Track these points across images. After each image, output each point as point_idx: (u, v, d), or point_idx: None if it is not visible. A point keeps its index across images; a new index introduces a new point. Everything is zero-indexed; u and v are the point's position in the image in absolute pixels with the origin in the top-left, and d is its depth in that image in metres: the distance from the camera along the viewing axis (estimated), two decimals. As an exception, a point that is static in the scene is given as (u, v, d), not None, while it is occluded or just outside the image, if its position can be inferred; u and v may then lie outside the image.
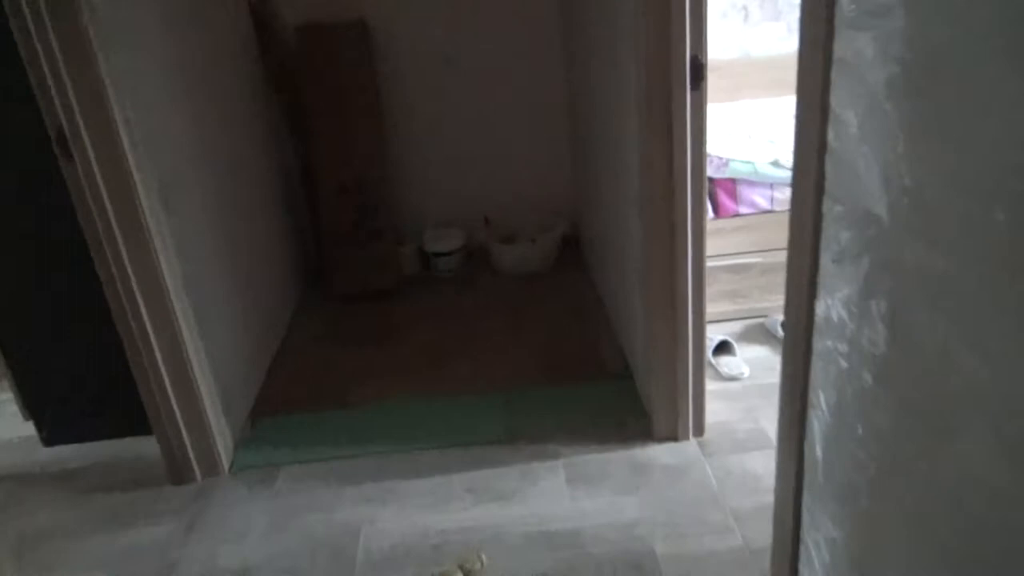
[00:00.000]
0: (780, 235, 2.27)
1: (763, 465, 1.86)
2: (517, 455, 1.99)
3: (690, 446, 1.96)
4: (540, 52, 2.95)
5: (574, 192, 3.13)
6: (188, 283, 1.93)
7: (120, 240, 1.75)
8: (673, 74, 1.59)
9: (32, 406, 2.27)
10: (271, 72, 2.80)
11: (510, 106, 3.03)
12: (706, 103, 1.63)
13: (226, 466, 2.06)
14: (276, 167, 2.87)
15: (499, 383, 2.30)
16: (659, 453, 1.94)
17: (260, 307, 2.50)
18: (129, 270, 1.78)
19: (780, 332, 2.33)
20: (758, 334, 2.43)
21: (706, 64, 1.60)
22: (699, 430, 1.98)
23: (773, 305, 2.49)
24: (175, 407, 1.94)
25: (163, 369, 1.89)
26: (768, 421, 2.02)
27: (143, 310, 1.82)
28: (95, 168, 1.68)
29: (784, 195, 2.36)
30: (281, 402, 2.33)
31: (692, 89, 1.60)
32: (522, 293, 2.88)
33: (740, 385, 2.19)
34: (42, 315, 2.10)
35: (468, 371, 2.38)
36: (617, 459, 1.94)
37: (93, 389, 2.21)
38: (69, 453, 2.25)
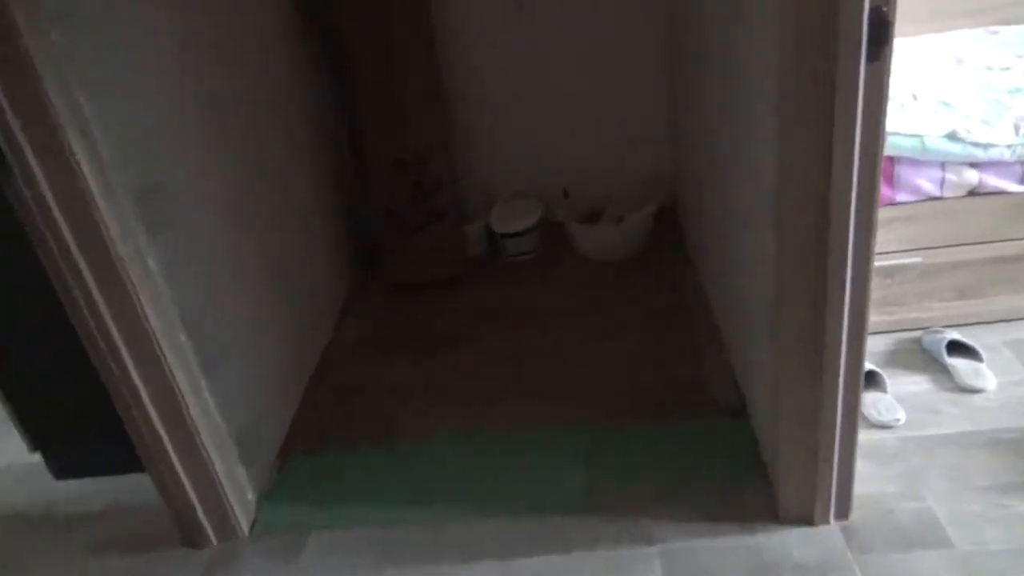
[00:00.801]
0: (949, 229, 1.70)
1: (940, 571, 1.36)
2: (601, 531, 1.55)
3: (832, 534, 1.46)
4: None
5: (672, 156, 2.58)
6: (186, 314, 1.53)
7: (86, 272, 1.35)
8: (840, 35, 1.04)
9: (35, 434, 1.98)
10: (310, 24, 2.33)
11: (594, 57, 2.48)
12: (888, 79, 1.08)
13: (245, 527, 1.70)
14: (319, 137, 2.43)
15: (579, 415, 1.84)
16: (790, 543, 1.46)
17: (297, 315, 2.10)
18: (102, 309, 1.39)
19: (945, 357, 1.77)
20: (913, 357, 1.88)
21: (894, 18, 1.04)
22: (843, 511, 1.48)
23: (933, 316, 1.92)
24: (176, 464, 1.58)
25: (157, 422, 1.53)
26: (938, 497, 1.51)
27: (125, 356, 1.44)
28: (40, 180, 1.28)
29: (960, 178, 1.76)
30: (318, 435, 1.95)
31: (870, 59, 1.05)
32: (608, 286, 2.38)
33: (893, 436, 1.67)
34: (43, 330, 1.76)
35: (541, 397, 1.93)
36: (732, 549, 1.47)
37: (105, 417, 1.88)
38: (80, 490, 1.95)
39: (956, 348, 1.82)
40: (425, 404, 1.98)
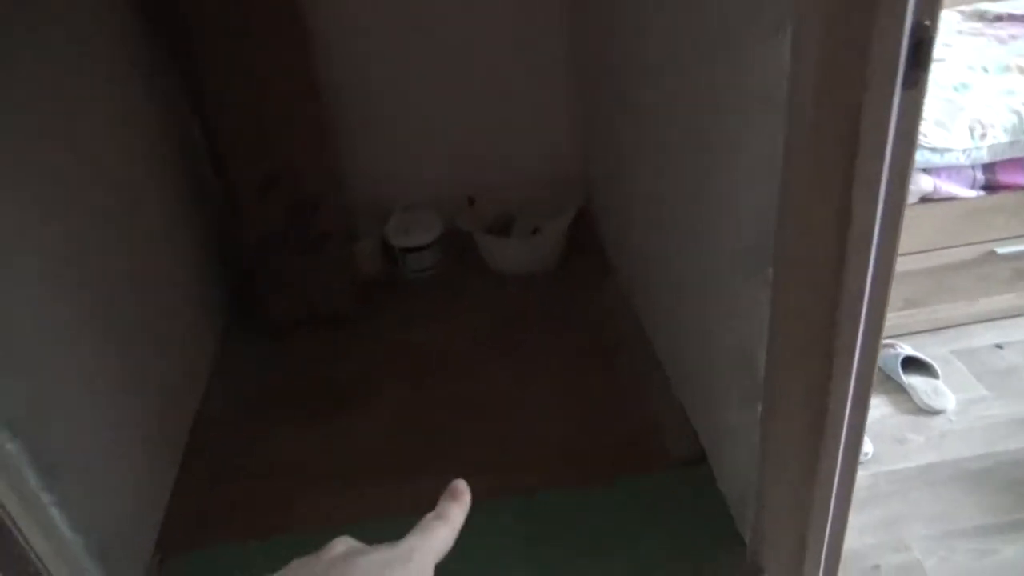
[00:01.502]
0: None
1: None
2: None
3: (822, 606, 1.30)
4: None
5: (585, 155, 2.35)
6: (13, 414, 1.16)
7: None
8: (872, 58, 0.82)
9: None
10: (160, 30, 1.90)
11: (496, 50, 2.20)
12: (922, 106, 0.87)
13: (115, 662, 1.36)
14: (173, 160, 2.02)
15: (513, 482, 1.59)
16: (778, 623, 1.29)
17: (159, 386, 1.72)
18: None
19: (902, 375, 1.66)
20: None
21: (935, 35, 0.83)
22: (831, 570, 1.32)
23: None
24: (17, 604, 1.22)
25: (-17, 561, 1.15)
26: (923, 547, 1.38)
27: (-75, 488, 1.06)
28: None
29: (915, 185, 1.63)
30: (197, 529, 1.60)
31: (905, 86, 0.84)
32: (527, 308, 2.14)
33: (864, 471, 1.53)
34: None
35: (464, 463, 1.66)
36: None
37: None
38: None
39: (911, 364, 1.71)
40: (324, 482, 1.66)
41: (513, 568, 1.42)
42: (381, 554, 0.38)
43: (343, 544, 0.40)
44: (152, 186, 1.87)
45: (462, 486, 0.46)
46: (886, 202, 0.91)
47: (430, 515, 0.44)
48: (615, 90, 1.84)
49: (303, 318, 2.14)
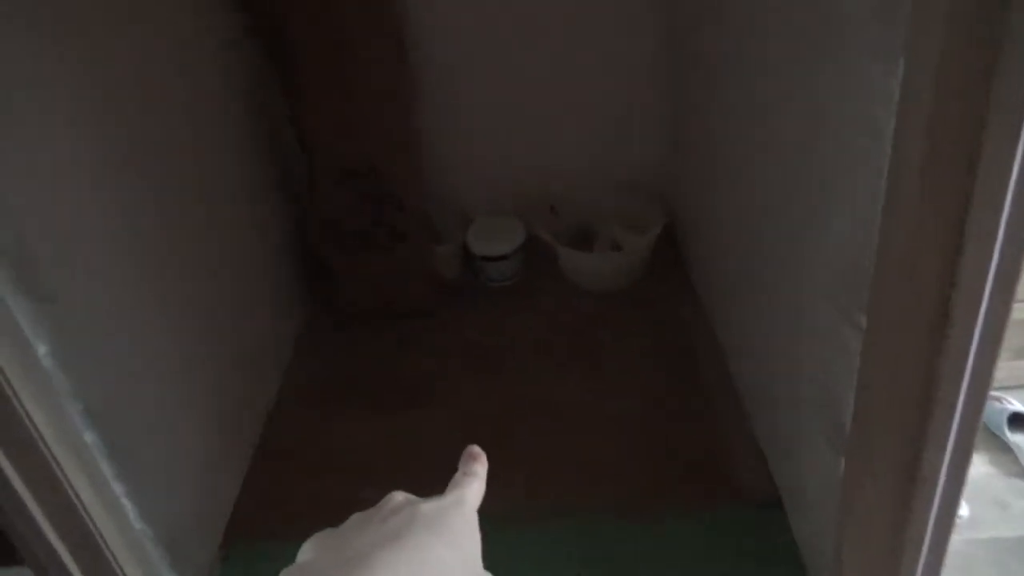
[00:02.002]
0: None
1: None
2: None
3: None
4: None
5: (675, 169, 2.27)
6: (91, 406, 1.19)
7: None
8: (995, 97, 0.74)
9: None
10: (254, 18, 1.95)
11: (585, 55, 2.15)
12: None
13: (175, 649, 1.39)
14: (264, 145, 2.06)
15: (575, 500, 1.55)
16: None
17: (236, 373, 1.75)
18: (-31, 417, 1.05)
19: (1007, 432, 1.52)
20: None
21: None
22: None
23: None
24: (85, 588, 1.26)
25: (58, 546, 1.19)
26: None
27: (9, 473, 1.10)
28: None
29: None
30: (265, 521, 1.62)
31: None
32: (604, 323, 2.09)
33: (957, 536, 1.40)
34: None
35: (529, 473, 1.63)
36: None
37: None
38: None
39: (1019, 421, 1.57)
40: (390, 478, 1.65)
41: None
42: (436, 502, 0.44)
43: (400, 495, 0.45)
44: (239, 174, 1.92)
45: (476, 449, 0.53)
46: (1002, 250, 0.82)
47: (458, 474, 0.50)
48: (706, 106, 1.77)
49: (379, 313, 2.15)
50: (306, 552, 0.44)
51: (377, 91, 1.98)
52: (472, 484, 0.48)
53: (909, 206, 0.84)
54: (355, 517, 0.43)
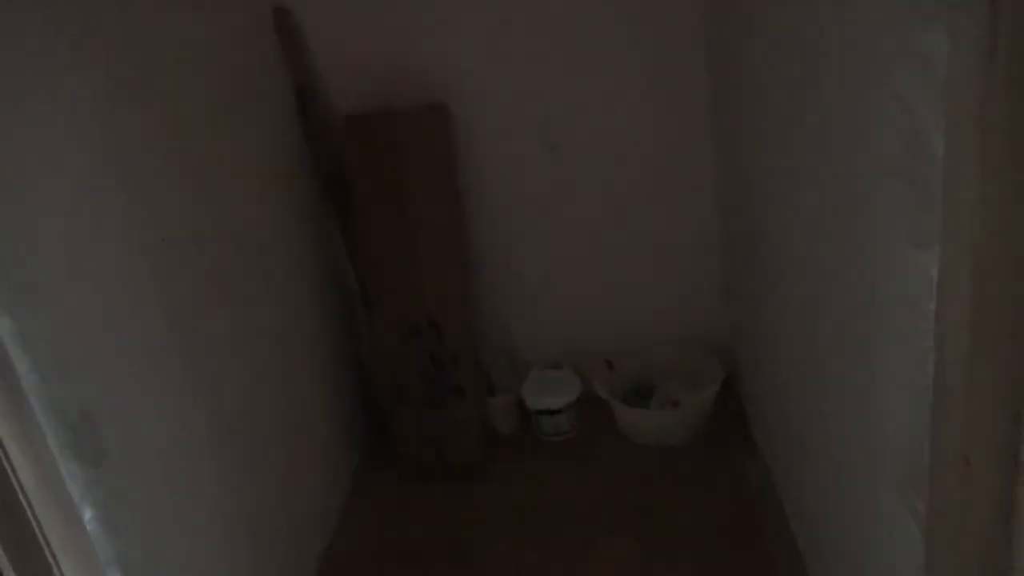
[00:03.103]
0: None
1: None
2: None
3: None
4: (677, 129, 2.11)
5: (734, 324, 2.25)
6: (126, 564, 1.20)
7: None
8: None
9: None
10: (323, 176, 2.09)
11: (635, 208, 2.20)
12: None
13: None
14: (331, 304, 2.14)
15: None
16: None
17: (284, 531, 1.74)
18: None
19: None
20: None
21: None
22: None
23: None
24: None
25: None
26: None
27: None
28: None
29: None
30: None
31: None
32: (661, 482, 2.01)
33: None
34: None
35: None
36: None
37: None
38: None
39: None
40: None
41: None
42: None
43: None
44: (301, 325, 1.98)
45: None
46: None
47: None
48: (764, 269, 1.76)
49: (433, 466, 2.13)
50: None
51: (437, 252, 2.07)
52: None
53: (956, 393, 0.80)
54: None
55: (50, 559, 1.05)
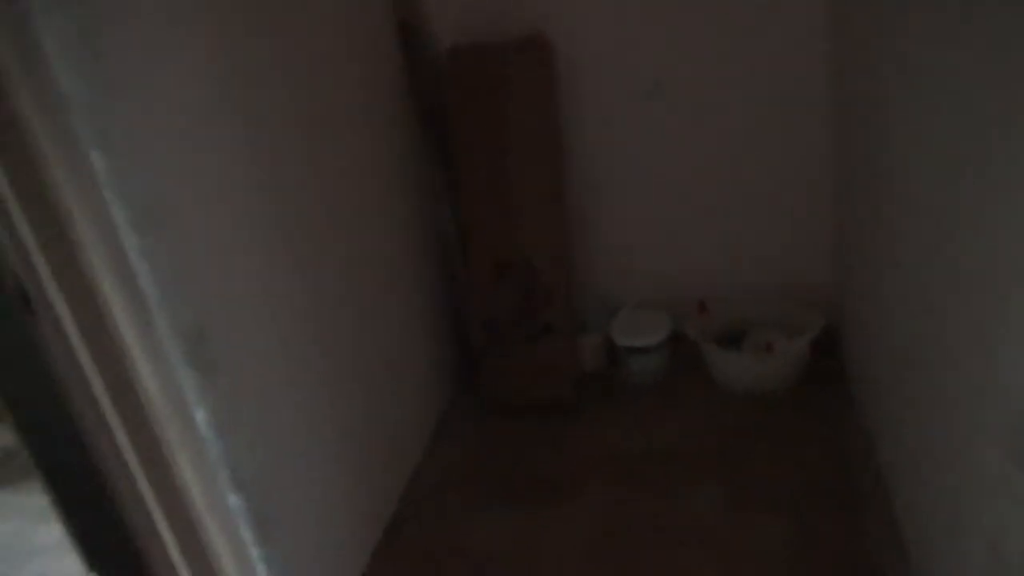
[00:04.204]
0: None
1: None
2: None
3: None
4: (789, 67, 2.00)
5: (838, 268, 2.16)
6: (239, 471, 1.28)
7: (119, 433, 1.12)
8: None
9: (92, 553, 1.79)
10: (422, 110, 2.10)
11: (741, 147, 2.12)
12: None
13: None
14: (428, 237, 2.18)
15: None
16: None
17: (375, 453, 1.82)
18: (136, 474, 1.15)
19: None
20: None
21: None
22: None
23: None
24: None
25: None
26: None
27: (159, 524, 1.20)
28: (66, 323, 1.06)
29: None
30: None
31: None
32: (751, 431, 1.98)
33: None
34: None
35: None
36: None
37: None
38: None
39: None
40: (515, 574, 1.65)
41: None
42: None
43: None
44: (401, 260, 2.03)
45: None
46: None
47: None
48: (878, 217, 1.67)
49: (522, 403, 2.17)
50: None
51: (534, 188, 2.06)
52: None
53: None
54: None
55: (167, 454, 1.14)
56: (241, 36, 1.36)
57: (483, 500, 1.89)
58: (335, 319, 1.64)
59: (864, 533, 1.60)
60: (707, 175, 2.17)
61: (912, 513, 1.50)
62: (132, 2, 1.11)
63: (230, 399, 1.27)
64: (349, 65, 1.79)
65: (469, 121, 2.05)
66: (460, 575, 1.68)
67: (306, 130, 1.56)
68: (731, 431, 1.99)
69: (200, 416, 1.20)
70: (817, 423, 1.95)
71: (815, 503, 1.71)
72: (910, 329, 1.43)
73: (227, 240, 1.31)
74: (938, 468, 1.29)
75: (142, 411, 1.11)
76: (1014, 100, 0.88)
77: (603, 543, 1.69)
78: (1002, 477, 0.99)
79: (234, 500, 1.27)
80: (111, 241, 1.05)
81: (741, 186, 2.16)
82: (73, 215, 1.00)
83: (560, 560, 1.67)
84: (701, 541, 1.66)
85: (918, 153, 1.31)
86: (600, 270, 2.33)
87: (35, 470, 1.20)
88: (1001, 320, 0.97)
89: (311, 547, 1.53)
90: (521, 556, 1.69)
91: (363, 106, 1.85)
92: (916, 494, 1.46)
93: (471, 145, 2.06)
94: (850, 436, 1.87)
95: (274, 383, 1.42)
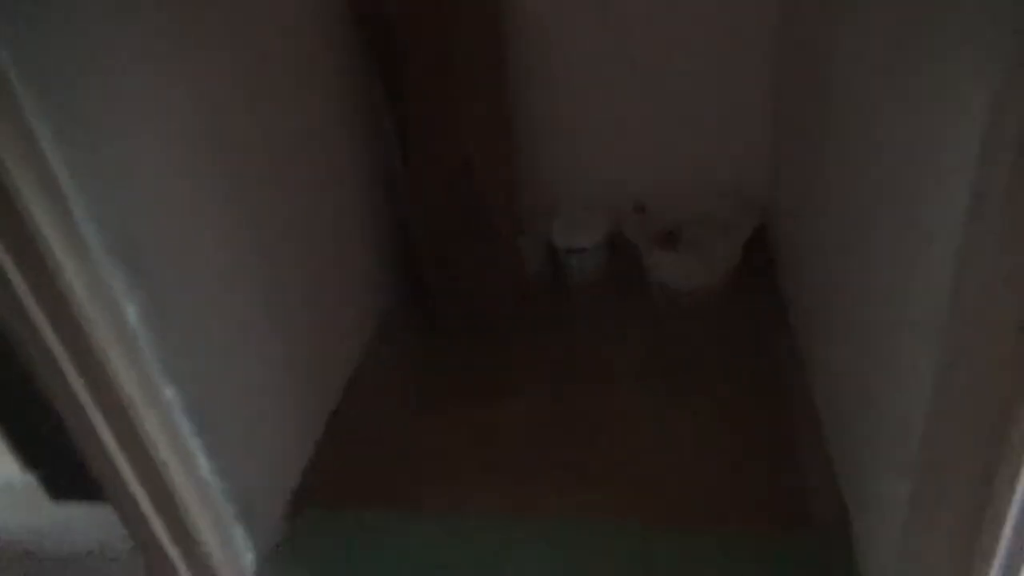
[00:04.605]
0: None
1: None
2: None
3: None
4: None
5: (774, 172, 2.20)
6: (173, 365, 1.28)
7: (46, 331, 1.10)
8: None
9: (29, 453, 1.78)
10: (360, 16, 2.00)
11: (681, 56, 2.10)
12: None
13: (238, 601, 1.47)
14: (368, 137, 2.12)
15: (637, 509, 1.54)
16: None
17: (318, 347, 1.83)
18: (66, 369, 1.14)
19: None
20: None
21: None
22: None
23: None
24: (158, 529, 1.35)
25: (135, 488, 1.29)
26: None
27: (94, 419, 1.19)
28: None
29: None
30: (332, 492, 1.69)
31: None
32: (683, 329, 2.05)
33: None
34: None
35: (592, 479, 1.63)
36: None
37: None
38: (76, 517, 1.76)
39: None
40: (455, 470, 1.70)
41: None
42: None
43: None
44: (341, 164, 1.99)
45: None
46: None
47: None
48: (815, 120, 1.69)
49: (464, 306, 2.18)
50: None
51: (478, 93, 2.01)
52: None
53: (992, 225, 0.79)
54: None
55: (96, 348, 1.12)
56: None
57: (423, 398, 1.93)
58: (271, 218, 1.61)
59: (788, 417, 1.69)
60: (648, 80, 2.15)
61: (828, 396, 1.59)
62: None
63: (161, 294, 1.24)
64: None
65: (411, 26, 1.96)
66: (399, 469, 1.73)
67: (240, 33, 1.49)
68: (667, 327, 2.06)
69: (131, 311, 1.18)
70: (748, 318, 2.02)
71: (744, 391, 1.79)
72: (838, 230, 1.48)
73: (153, 137, 1.25)
74: (855, 357, 1.37)
75: (67, 306, 1.08)
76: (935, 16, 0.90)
77: (543, 435, 1.76)
78: (912, 365, 1.05)
79: (170, 392, 1.27)
80: (25, 135, 1.00)
81: (681, 91, 2.15)
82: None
83: (501, 452, 1.73)
84: (639, 429, 1.74)
85: (852, 60, 1.33)
86: (540, 173, 2.32)
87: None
88: (918, 224, 1.01)
89: (253, 439, 1.54)
90: (462, 451, 1.75)
91: (296, 8, 1.77)
92: (833, 380, 1.55)
93: (413, 51, 1.98)
94: (778, 329, 1.95)
95: (207, 279, 1.40)
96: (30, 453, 1.78)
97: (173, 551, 1.38)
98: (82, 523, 1.73)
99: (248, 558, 1.51)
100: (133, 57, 1.20)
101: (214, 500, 1.41)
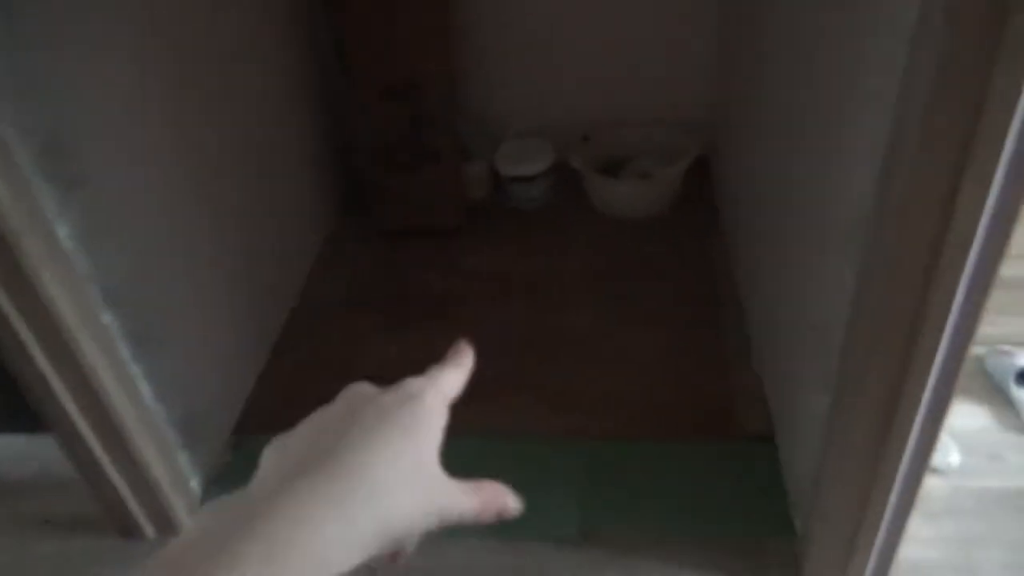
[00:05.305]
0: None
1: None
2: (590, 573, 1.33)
3: (866, 613, 1.24)
4: None
5: (714, 102, 2.22)
6: (111, 288, 1.26)
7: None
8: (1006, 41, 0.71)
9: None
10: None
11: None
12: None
13: (184, 518, 1.49)
14: (309, 57, 2.06)
15: (584, 424, 1.60)
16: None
17: (260, 272, 1.81)
18: (4, 301, 1.11)
19: (1013, 387, 1.51)
20: (973, 381, 1.60)
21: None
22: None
23: (1002, 332, 1.64)
24: (101, 457, 1.35)
25: (75, 415, 1.28)
26: (995, 572, 1.27)
27: (31, 347, 1.17)
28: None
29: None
30: (277, 416, 1.70)
31: (1042, 70, 0.73)
32: (628, 253, 2.09)
33: (944, 482, 1.41)
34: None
35: (540, 396, 1.67)
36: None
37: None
38: (10, 449, 1.74)
39: (1028, 378, 1.55)
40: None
41: (564, 504, 1.44)
42: (396, 394, 0.43)
43: (359, 387, 0.44)
44: (281, 83, 1.94)
45: (462, 343, 0.50)
46: (1000, 197, 0.81)
47: (436, 365, 0.48)
48: (748, 42, 1.71)
49: (408, 228, 2.18)
50: (265, 458, 0.39)
51: (420, 10, 1.96)
52: (441, 375, 0.47)
53: (912, 143, 0.82)
54: (317, 412, 0.41)
55: (27, 270, 1.10)
56: None
57: (369, 319, 1.94)
58: (208, 138, 1.56)
59: (723, 337, 1.76)
60: (595, 9, 2.13)
61: (758, 313, 1.66)
62: None
63: (95, 213, 1.21)
64: None
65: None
66: (353, 381, 1.74)
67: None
68: (611, 253, 2.09)
69: (63, 231, 1.15)
70: (689, 243, 2.07)
71: (684, 313, 1.85)
72: (771, 154, 1.52)
73: (88, 47, 1.20)
74: (786, 273, 1.42)
75: (-5, 224, 1.05)
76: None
77: (488, 353, 1.78)
78: (838, 279, 1.10)
79: (108, 317, 1.25)
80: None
81: (628, 22, 2.14)
82: None
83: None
84: (582, 349, 1.78)
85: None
86: (485, 99, 2.30)
87: None
88: (841, 142, 1.05)
89: (196, 365, 1.54)
90: (407, 369, 1.76)
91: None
92: (763, 297, 1.62)
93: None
94: (715, 253, 2.00)
95: (143, 200, 1.37)
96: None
97: (118, 479, 1.39)
98: (24, 454, 1.71)
99: (193, 484, 1.53)
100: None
101: (158, 427, 1.41)
